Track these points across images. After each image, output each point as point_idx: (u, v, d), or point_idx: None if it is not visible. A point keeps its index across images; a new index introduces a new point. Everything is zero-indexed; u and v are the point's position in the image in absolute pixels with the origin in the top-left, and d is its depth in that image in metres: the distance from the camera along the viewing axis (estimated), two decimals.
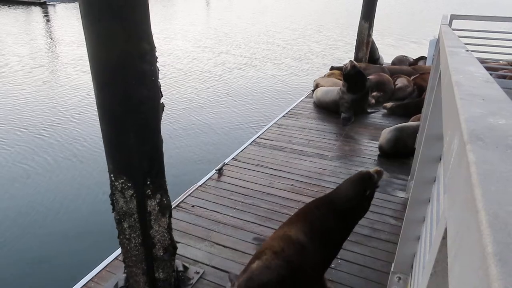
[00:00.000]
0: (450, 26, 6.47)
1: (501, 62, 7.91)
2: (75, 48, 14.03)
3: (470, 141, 0.60)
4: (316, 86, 7.83)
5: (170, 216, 2.66)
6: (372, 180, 2.56)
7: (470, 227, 0.42)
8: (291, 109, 7.06)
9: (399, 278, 2.33)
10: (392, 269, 2.44)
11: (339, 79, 7.66)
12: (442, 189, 1.56)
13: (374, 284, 2.89)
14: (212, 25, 23.25)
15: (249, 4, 36.93)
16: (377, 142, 5.29)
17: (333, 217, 2.52)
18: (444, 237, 0.67)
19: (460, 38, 4.81)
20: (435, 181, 2.05)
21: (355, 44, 9.48)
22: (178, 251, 2.85)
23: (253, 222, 3.66)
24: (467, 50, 1.90)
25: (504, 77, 7.26)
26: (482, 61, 7.45)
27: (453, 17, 7.16)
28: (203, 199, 4.05)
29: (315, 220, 2.52)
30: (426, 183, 2.11)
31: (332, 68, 9.14)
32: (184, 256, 3.18)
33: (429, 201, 2.10)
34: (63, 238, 4.63)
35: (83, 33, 2.14)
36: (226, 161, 4.88)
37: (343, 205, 2.53)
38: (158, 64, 2.38)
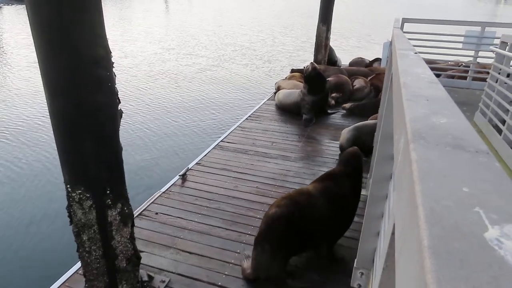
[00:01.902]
0: (402, 29, 6.80)
1: (449, 62, 8.40)
2: (32, 51, 13.32)
3: (413, 140, 0.64)
4: (278, 88, 7.93)
5: (133, 225, 2.59)
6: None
7: (411, 222, 0.45)
8: (253, 112, 7.11)
9: (362, 273, 2.41)
10: (355, 265, 2.51)
11: (300, 81, 7.81)
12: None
13: (339, 280, 2.96)
14: (171, 28, 22.93)
15: (209, 6, 36.78)
16: (338, 142, 5.44)
17: (347, 181, 3.10)
18: (393, 233, 0.71)
19: (412, 41, 5.06)
20: (391, 178, 2.14)
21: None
22: (142, 261, 2.77)
23: (219, 227, 3.64)
24: (416, 53, 2.00)
25: (452, 77, 7.72)
26: (432, 62, 7.89)
27: (405, 20, 7.53)
28: (167, 206, 3.97)
29: (330, 183, 3.09)
30: (383, 180, 2.20)
31: (293, 71, 9.30)
32: (149, 265, 3.10)
33: (387, 198, 2.18)
34: (17, 254, 4.37)
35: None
36: (190, 166, 4.82)
37: (351, 168, 3.16)
38: (115, 69, 2.32)
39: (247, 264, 3.02)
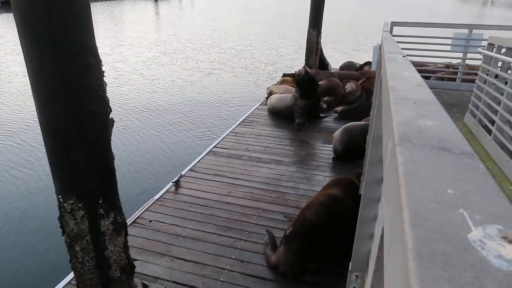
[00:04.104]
0: (391, 33, 6.88)
1: (438, 65, 8.51)
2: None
3: (400, 143, 0.65)
4: (270, 93, 7.96)
5: (126, 234, 2.57)
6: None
7: (397, 225, 0.45)
8: (246, 117, 7.12)
9: (357, 276, 2.41)
10: (350, 268, 2.51)
11: (292, 86, 7.85)
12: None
13: (334, 283, 2.96)
14: (162, 34, 22.92)
15: (199, 12, 36.87)
16: (331, 146, 5.47)
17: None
18: (382, 235, 0.71)
19: (401, 44, 5.09)
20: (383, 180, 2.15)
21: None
22: (136, 269, 2.75)
23: (213, 233, 3.63)
24: (404, 56, 2.03)
25: (442, 79, 7.82)
26: (422, 64, 7.99)
27: (394, 24, 7.63)
28: (160, 213, 3.95)
29: (350, 185, 3.37)
30: (375, 183, 2.21)
31: (284, 75, 9.35)
32: (143, 274, 3.07)
33: (379, 200, 2.20)
34: (9, 266, 4.30)
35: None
36: (183, 172, 4.80)
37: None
38: (106, 78, 2.31)
39: (270, 252, 3.18)
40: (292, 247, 3.00)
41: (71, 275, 2.91)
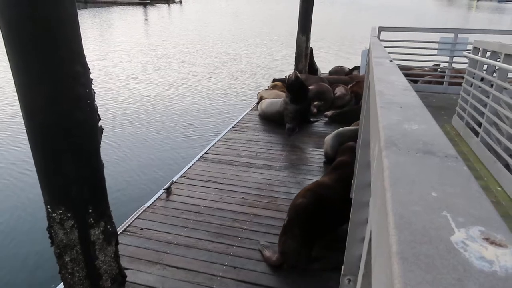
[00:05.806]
0: (379, 37, 6.98)
1: (426, 68, 8.63)
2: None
3: (385, 147, 0.65)
4: (260, 98, 7.98)
5: (117, 243, 2.55)
6: None
7: (383, 228, 0.46)
8: (237, 122, 7.12)
9: (349, 280, 2.41)
10: (342, 271, 2.51)
11: (282, 91, 7.88)
12: None
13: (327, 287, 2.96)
14: (151, 40, 22.89)
15: (190, 18, 36.91)
16: (322, 150, 5.49)
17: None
18: (371, 239, 0.72)
19: (388, 48, 5.16)
20: None
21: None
22: (128, 278, 2.72)
23: (206, 239, 3.61)
24: (391, 60, 2.06)
25: (429, 82, 7.93)
26: (410, 68, 8.10)
27: (381, 29, 7.74)
28: (152, 221, 3.91)
29: (342, 171, 3.56)
30: (366, 186, 2.23)
31: (275, 80, 9.39)
32: (135, 283, 3.03)
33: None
34: None
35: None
36: (174, 179, 4.77)
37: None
38: (94, 86, 2.30)
39: (270, 252, 3.26)
40: (293, 233, 3.11)
41: (61, 286, 2.86)
